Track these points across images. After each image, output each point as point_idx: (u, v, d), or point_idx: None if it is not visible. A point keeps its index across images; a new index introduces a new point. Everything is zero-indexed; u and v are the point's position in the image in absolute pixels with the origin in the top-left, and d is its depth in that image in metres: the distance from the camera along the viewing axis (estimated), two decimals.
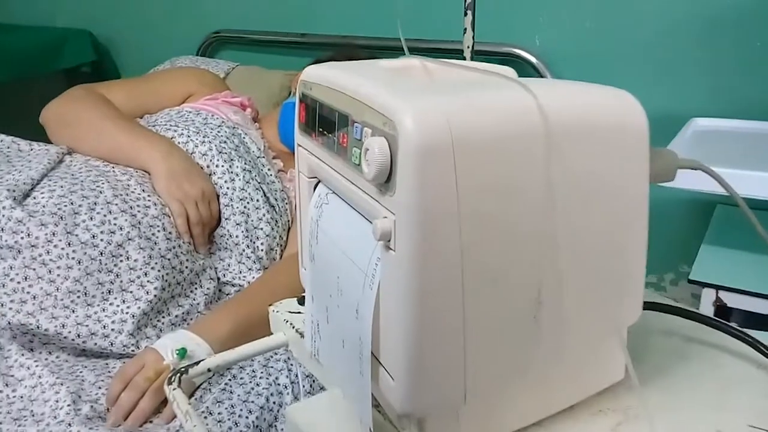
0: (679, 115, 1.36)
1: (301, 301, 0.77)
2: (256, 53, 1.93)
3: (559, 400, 0.55)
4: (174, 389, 0.64)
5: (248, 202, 1.12)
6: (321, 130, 0.58)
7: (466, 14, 1.11)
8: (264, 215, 1.13)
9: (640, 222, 0.52)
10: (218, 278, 1.09)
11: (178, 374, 0.66)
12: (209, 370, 0.69)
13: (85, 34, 2.08)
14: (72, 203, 0.97)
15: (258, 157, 1.20)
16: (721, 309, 1.11)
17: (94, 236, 0.96)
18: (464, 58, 1.12)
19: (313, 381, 0.95)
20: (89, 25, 2.11)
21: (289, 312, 0.75)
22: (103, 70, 2.11)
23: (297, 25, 1.86)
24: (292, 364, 0.94)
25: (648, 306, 0.59)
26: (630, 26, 1.49)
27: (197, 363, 0.68)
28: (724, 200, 1.38)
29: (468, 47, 1.10)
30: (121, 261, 0.96)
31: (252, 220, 1.12)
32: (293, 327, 0.72)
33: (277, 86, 1.62)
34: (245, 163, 1.15)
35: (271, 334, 1.03)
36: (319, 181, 0.63)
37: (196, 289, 1.05)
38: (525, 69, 1.58)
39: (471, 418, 0.51)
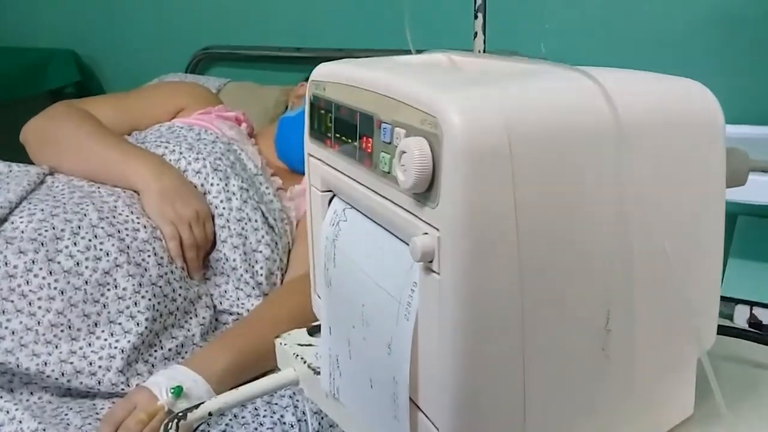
0: None
1: (312, 332, 0.69)
2: (248, 69, 1.87)
3: None
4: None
5: (246, 223, 1.04)
6: (338, 135, 0.50)
7: (476, 17, 1.04)
8: (263, 237, 1.04)
9: (717, 232, 0.45)
10: (214, 306, 1.00)
11: (176, 420, 0.58)
12: (210, 414, 0.60)
13: (69, 54, 2.01)
14: (54, 227, 0.89)
15: (255, 175, 1.12)
16: (756, 326, 1.04)
17: (78, 263, 0.87)
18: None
19: (322, 418, 0.86)
20: (73, 44, 2.04)
21: (299, 345, 0.67)
22: (88, 90, 2.03)
23: (290, 39, 1.79)
24: (298, 400, 0.86)
25: (721, 331, 0.51)
26: (636, 33, 1.44)
27: (197, 406, 0.60)
28: (747, 211, 1.31)
29: (479, 51, 1.03)
30: (108, 290, 0.88)
31: (250, 243, 1.03)
32: (305, 362, 0.63)
33: (272, 101, 1.55)
34: (242, 182, 1.07)
35: (276, 368, 0.94)
36: (333, 195, 0.55)
37: (190, 318, 0.96)
38: None
39: None
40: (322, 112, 0.52)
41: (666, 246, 0.40)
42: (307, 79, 1.45)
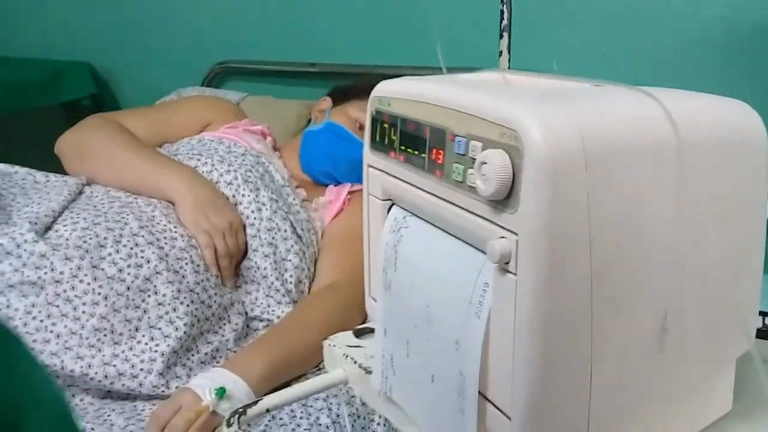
0: None
1: (359, 334, 0.72)
2: (264, 83, 1.90)
3: None
4: (237, 431, 0.58)
5: (276, 233, 1.07)
6: (403, 147, 0.54)
7: (501, 36, 1.08)
8: (292, 246, 1.08)
9: (760, 243, 0.48)
10: (246, 313, 1.03)
11: (237, 415, 0.61)
12: (268, 410, 0.63)
13: (84, 67, 2.04)
14: (97, 235, 0.92)
15: (283, 186, 1.15)
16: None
17: (120, 270, 0.90)
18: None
19: (355, 420, 0.89)
20: (89, 57, 2.07)
21: (348, 346, 0.70)
22: (104, 103, 2.06)
23: (305, 54, 1.83)
24: (332, 403, 0.89)
25: (760, 334, 0.55)
26: (645, 49, 1.49)
27: (255, 403, 0.63)
28: None
29: (504, 65, 1.07)
30: (148, 296, 0.91)
31: (280, 252, 1.07)
32: (355, 362, 0.67)
33: (293, 115, 1.58)
34: (271, 193, 1.10)
35: (314, 370, 0.97)
36: (392, 204, 0.59)
37: (224, 324, 0.99)
38: None
39: None
40: (386, 125, 0.56)
41: (716, 250, 0.44)
42: (329, 94, 1.49)
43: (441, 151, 0.48)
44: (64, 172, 1.12)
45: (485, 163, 0.41)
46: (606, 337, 0.42)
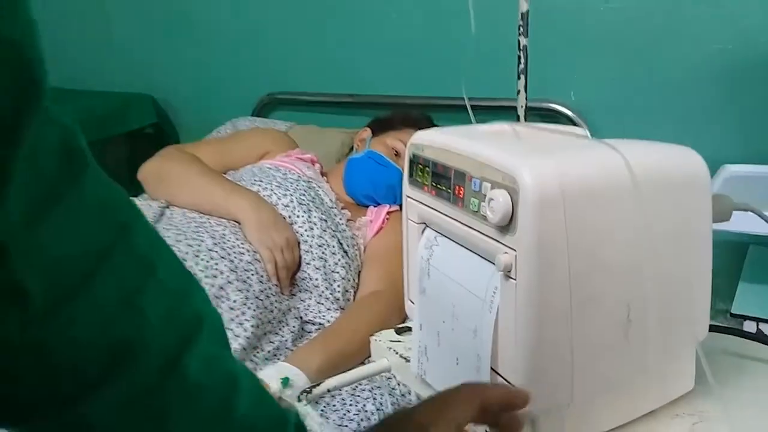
0: (710, 161, 1.48)
1: (399, 332, 0.88)
2: (308, 113, 2.08)
3: (642, 405, 0.66)
4: (305, 404, 0.75)
5: (325, 249, 1.24)
6: (434, 183, 0.70)
7: (519, 78, 1.24)
8: (339, 260, 1.25)
9: (706, 255, 0.63)
10: (301, 317, 1.20)
11: (305, 393, 0.78)
12: (329, 390, 0.80)
13: (147, 99, 2.25)
14: (180, 251, 1.10)
15: (331, 208, 1.32)
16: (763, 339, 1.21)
17: (200, 281, 1.08)
18: (517, 116, 1.26)
19: (396, 408, 1.05)
20: (150, 89, 2.28)
21: (390, 341, 0.86)
22: (164, 131, 2.27)
23: (345, 86, 2.01)
24: (376, 393, 1.05)
25: (713, 328, 0.70)
26: (659, 78, 1.62)
27: (318, 384, 0.80)
28: (757, 240, 1.48)
29: (522, 107, 1.23)
30: (222, 302, 1.08)
31: (329, 265, 1.24)
32: (397, 353, 0.83)
33: (336, 143, 1.76)
34: (321, 213, 1.28)
35: (361, 362, 1.14)
36: (426, 226, 0.75)
37: (283, 327, 1.16)
38: (562, 122, 1.71)
39: (573, 418, 0.61)
40: (421, 166, 0.72)
41: (668, 260, 0.60)
42: (368, 125, 1.66)
43: (462, 188, 0.64)
44: (133, 196, 1.32)
45: (492, 199, 0.58)
46: (582, 326, 0.58)
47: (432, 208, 0.71)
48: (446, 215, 0.68)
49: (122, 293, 0.34)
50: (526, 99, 1.25)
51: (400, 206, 1.41)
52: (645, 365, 0.63)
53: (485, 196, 0.60)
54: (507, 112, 1.46)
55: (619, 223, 0.57)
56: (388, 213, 1.40)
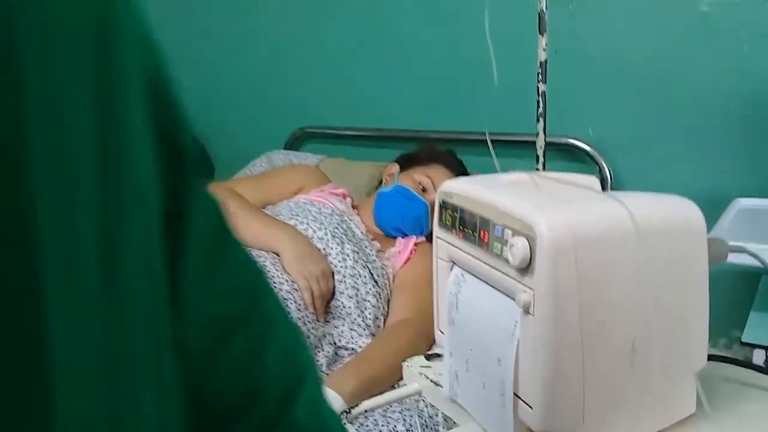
0: (723, 195, 1.55)
1: (429, 358, 0.97)
2: (337, 145, 2.19)
3: (648, 425, 0.74)
4: (345, 425, 0.84)
5: (357, 279, 1.34)
6: (461, 227, 0.79)
7: (538, 120, 1.34)
8: (370, 289, 1.34)
9: (703, 294, 0.72)
10: (335, 343, 1.30)
11: (345, 413, 0.87)
12: (366, 411, 0.89)
13: None
14: None
15: (362, 240, 1.42)
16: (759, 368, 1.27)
17: None
18: (537, 156, 1.35)
19: (424, 429, 1.13)
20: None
21: (421, 366, 0.95)
22: None
23: (373, 120, 2.11)
24: (406, 414, 1.13)
25: (711, 357, 0.78)
26: (674, 114, 1.70)
27: (356, 405, 0.88)
28: None
29: (540, 147, 1.33)
30: None
31: (361, 294, 1.33)
32: (427, 378, 0.92)
33: (365, 176, 1.86)
34: (353, 245, 1.37)
35: (391, 386, 1.23)
36: (454, 264, 0.84)
37: (318, 352, 1.25)
38: (581, 157, 1.80)
39: None
40: (450, 211, 0.82)
41: (668, 298, 0.68)
42: (396, 160, 1.77)
43: (486, 233, 0.74)
44: None
45: (513, 245, 0.67)
46: (592, 355, 0.66)
47: (460, 249, 0.80)
48: (472, 256, 0.77)
49: (252, 350, 0.39)
50: (545, 140, 1.35)
51: (427, 237, 1.52)
52: (649, 390, 0.71)
53: (507, 241, 0.69)
54: (527, 148, 1.55)
55: (624, 267, 0.66)
56: (416, 244, 1.50)
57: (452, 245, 0.82)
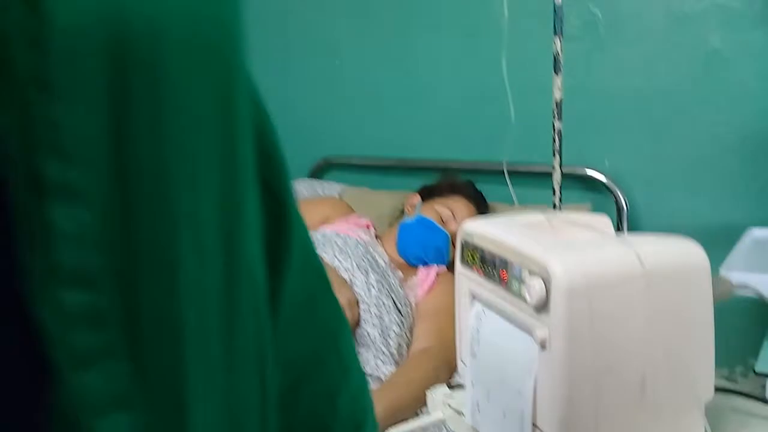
0: (737, 225, 1.59)
1: (451, 387, 1.02)
2: (360, 175, 2.26)
3: None
4: None
5: (382, 308, 1.39)
6: (482, 265, 0.85)
7: (554, 155, 1.39)
8: (394, 318, 1.40)
9: (708, 330, 0.77)
10: None
11: None
12: None
13: None
14: None
15: (385, 269, 1.48)
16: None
17: None
18: (553, 189, 1.40)
19: None
20: None
21: (444, 395, 1.00)
22: None
23: (395, 149, 2.18)
24: None
25: (719, 389, 0.82)
26: (688, 145, 1.75)
27: None
28: None
29: (557, 182, 1.38)
30: None
31: (385, 322, 1.38)
32: (450, 407, 0.97)
33: (388, 206, 1.92)
34: (378, 275, 1.43)
35: (414, 413, 1.28)
36: (474, 299, 0.90)
37: None
38: (597, 187, 1.85)
39: None
40: (471, 250, 0.88)
41: (675, 336, 0.73)
42: (418, 191, 1.84)
43: (505, 272, 0.79)
44: None
45: (530, 286, 0.72)
46: (604, 389, 0.71)
47: (480, 286, 0.86)
48: (492, 293, 0.83)
49: (326, 392, 0.39)
50: (561, 175, 1.41)
51: (447, 267, 1.57)
52: (659, 421, 0.76)
53: (524, 281, 0.74)
54: (545, 178, 1.60)
55: (633, 307, 0.71)
56: (437, 274, 1.55)
57: (473, 282, 0.88)
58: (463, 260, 0.90)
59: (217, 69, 0.26)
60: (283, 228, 0.33)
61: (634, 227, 1.83)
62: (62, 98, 0.19)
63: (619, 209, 1.80)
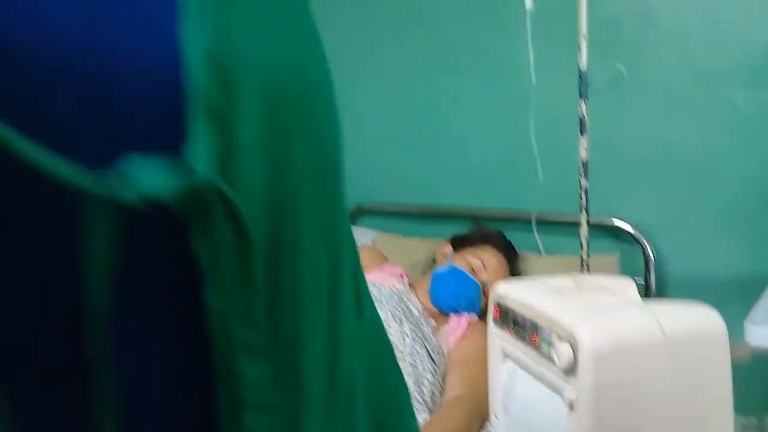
0: (763, 274, 1.63)
1: None
2: (393, 221, 2.34)
3: None
4: None
5: (416, 357, 1.45)
6: (514, 326, 0.91)
7: (581, 211, 1.46)
8: (428, 367, 1.45)
9: (726, 391, 0.82)
10: None
11: None
12: None
13: None
14: None
15: (419, 318, 1.55)
16: None
17: None
18: (581, 243, 1.46)
19: None
20: None
21: None
22: None
23: (426, 197, 2.26)
24: None
25: None
26: (713, 197, 1.80)
27: None
28: None
29: (584, 237, 1.44)
30: None
31: (419, 371, 1.44)
32: None
33: (420, 254, 1.99)
34: (412, 325, 1.50)
35: None
36: (506, 356, 0.96)
37: None
38: (625, 236, 1.90)
39: None
40: (504, 312, 0.94)
41: (693, 398, 0.79)
42: (449, 241, 1.90)
43: (536, 335, 0.86)
44: None
45: (559, 349, 0.79)
46: None
47: (512, 346, 0.92)
48: (524, 353, 0.89)
49: (376, 423, 0.38)
50: (588, 230, 1.46)
51: (479, 315, 1.63)
52: None
53: (553, 344, 0.81)
54: (573, 227, 1.66)
55: (656, 371, 0.77)
56: (468, 322, 1.61)
57: (506, 341, 0.94)
58: (496, 320, 0.97)
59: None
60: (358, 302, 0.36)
61: (661, 276, 1.87)
62: (259, 297, 0.26)
63: (646, 259, 1.84)
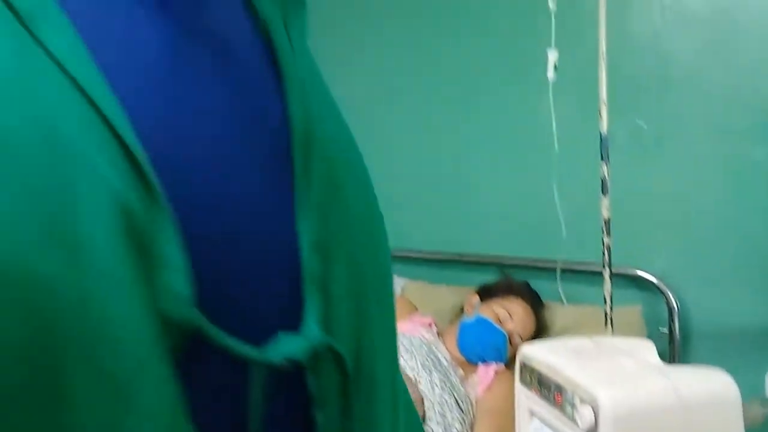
0: None
1: None
2: (420, 268, 2.41)
3: None
4: None
5: (444, 406, 1.51)
6: (539, 386, 0.98)
7: (604, 267, 1.51)
8: (456, 416, 1.51)
9: None
10: None
11: None
12: None
13: None
14: None
15: (447, 368, 1.61)
16: None
17: None
18: (604, 298, 1.51)
19: None
20: None
21: None
22: None
23: (452, 245, 2.33)
24: None
25: None
26: (735, 248, 1.84)
27: None
28: None
29: (608, 291, 1.50)
30: None
31: (448, 420, 1.50)
32: None
33: (448, 302, 2.05)
34: (440, 374, 1.56)
35: None
36: (532, 415, 1.02)
37: None
38: (648, 286, 1.95)
39: None
40: (529, 373, 1.00)
41: None
42: (476, 291, 1.98)
43: (559, 395, 0.92)
44: None
45: (581, 412, 0.85)
46: None
47: (538, 405, 0.98)
48: (549, 413, 0.95)
49: None
50: (611, 285, 1.52)
51: (506, 365, 1.68)
52: None
53: (576, 406, 0.87)
54: (595, 278, 1.72)
55: None
56: (495, 372, 1.67)
57: (531, 400, 1.00)
58: (523, 380, 1.03)
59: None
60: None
61: (684, 325, 1.91)
62: (354, 418, 0.34)
63: (670, 309, 1.88)
